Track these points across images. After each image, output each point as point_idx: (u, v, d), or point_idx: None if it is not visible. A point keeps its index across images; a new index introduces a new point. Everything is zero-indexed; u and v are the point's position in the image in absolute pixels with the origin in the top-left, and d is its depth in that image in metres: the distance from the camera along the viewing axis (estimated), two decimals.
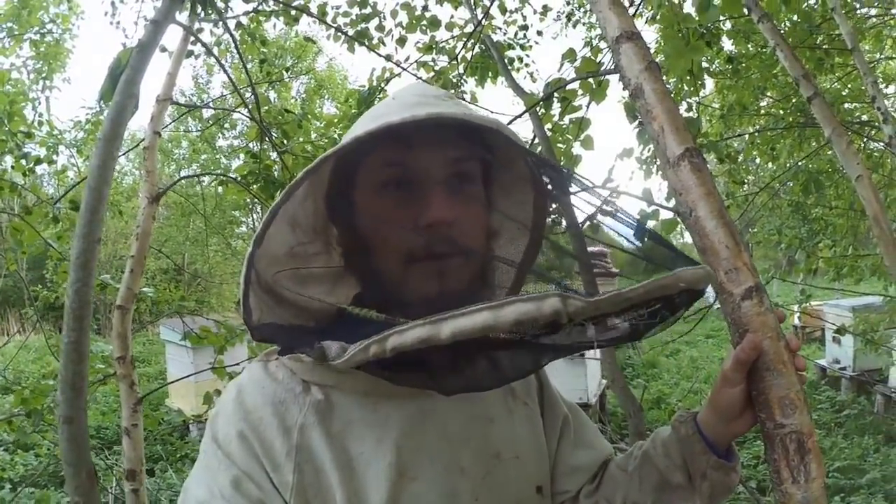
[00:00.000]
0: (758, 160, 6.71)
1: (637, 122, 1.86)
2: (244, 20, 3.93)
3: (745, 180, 6.09)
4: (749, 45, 4.40)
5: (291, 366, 0.79)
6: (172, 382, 4.91)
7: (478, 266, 0.81)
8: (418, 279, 0.74)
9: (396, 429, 0.77)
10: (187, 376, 3.12)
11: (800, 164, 5.54)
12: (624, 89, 1.06)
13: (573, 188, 0.79)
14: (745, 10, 2.33)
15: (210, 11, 2.22)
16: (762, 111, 5.65)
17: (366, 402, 0.78)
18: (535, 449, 0.91)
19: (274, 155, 3.13)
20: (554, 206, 0.93)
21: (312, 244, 0.83)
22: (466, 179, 0.80)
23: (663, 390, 8.66)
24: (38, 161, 3.50)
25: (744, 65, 4.55)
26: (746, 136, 5.53)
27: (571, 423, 1.00)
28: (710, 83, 5.35)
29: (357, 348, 0.63)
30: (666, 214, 1.98)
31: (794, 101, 4.83)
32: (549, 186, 0.87)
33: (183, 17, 2.31)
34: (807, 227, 6.60)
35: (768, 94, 5.27)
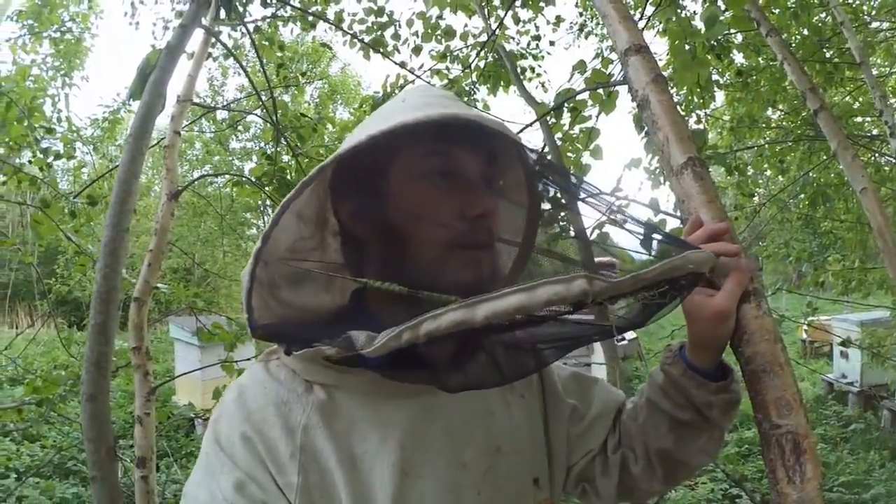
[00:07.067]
0: (768, 173, 6.70)
1: (644, 133, 1.90)
2: (262, 25, 4.00)
3: (755, 193, 6.09)
4: (759, 59, 4.42)
5: (293, 366, 0.79)
6: (182, 375, 4.97)
7: (499, 259, 0.85)
8: (458, 266, 0.76)
9: (400, 427, 0.77)
10: (197, 370, 3.16)
11: (807, 176, 5.54)
12: (633, 101, 1.10)
13: (582, 195, 0.82)
14: (755, 24, 2.36)
15: (233, 16, 2.28)
16: (772, 124, 5.66)
17: (369, 401, 0.78)
18: (531, 441, 0.92)
19: (286, 157, 3.18)
20: (558, 212, 0.95)
21: (312, 239, 0.84)
22: (491, 179, 0.83)
23: None
24: (58, 156, 3.56)
25: (753, 77, 4.57)
26: (755, 149, 5.54)
27: (580, 409, 1.00)
28: (720, 95, 5.38)
29: (389, 335, 0.63)
30: (673, 223, 2.01)
31: (803, 114, 4.84)
32: (558, 193, 0.89)
33: (206, 21, 2.36)
34: (817, 242, 6.58)
35: (778, 106, 5.28)
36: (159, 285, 3.12)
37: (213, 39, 2.53)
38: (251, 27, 3.54)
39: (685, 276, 0.72)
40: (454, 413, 0.82)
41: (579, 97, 2.11)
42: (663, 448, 0.93)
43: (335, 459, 0.74)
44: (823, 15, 4.45)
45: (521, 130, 2.20)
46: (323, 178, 0.82)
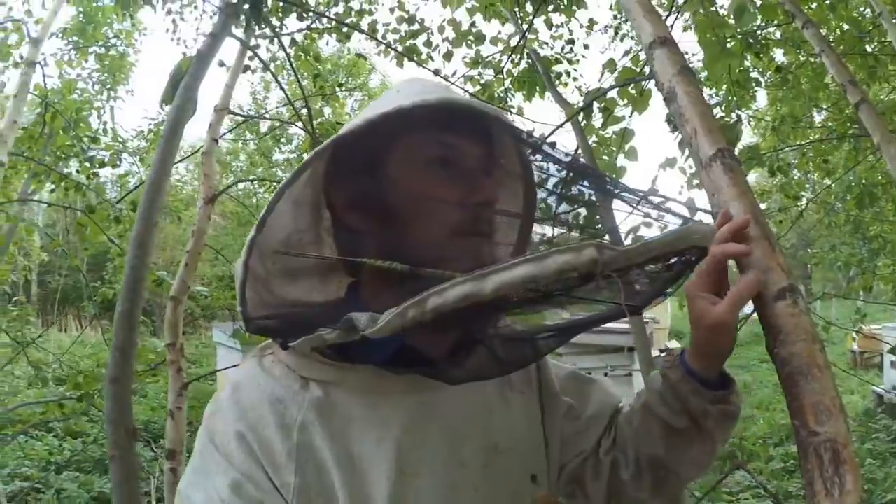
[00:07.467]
0: (815, 176, 6.50)
1: (673, 128, 1.85)
2: (298, 37, 4.09)
3: (800, 195, 5.88)
4: (800, 56, 4.29)
5: (288, 361, 0.77)
6: (217, 371, 5.10)
7: (497, 248, 0.84)
8: (457, 254, 0.74)
9: (397, 426, 0.76)
10: (232, 366, 3.22)
11: (852, 176, 5.33)
12: (660, 92, 1.07)
13: (616, 190, 0.82)
14: (791, 17, 2.28)
15: (263, 27, 2.35)
16: (817, 123, 5.49)
17: (366, 399, 0.76)
18: (530, 438, 0.90)
19: None
20: (593, 214, 0.93)
21: (307, 233, 0.83)
22: (490, 166, 0.82)
23: None
24: (103, 164, 3.71)
25: (793, 74, 4.43)
26: (798, 148, 5.35)
27: (576, 409, 0.97)
28: (762, 96, 5.24)
29: (393, 313, 0.61)
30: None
31: (846, 111, 4.67)
32: (592, 195, 0.88)
33: (240, 33, 2.44)
34: (867, 248, 6.35)
35: (821, 105, 5.12)
36: (199, 288, 3.21)
37: (250, 52, 2.62)
38: (287, 40, 3.63)
39: (691, 250, 0.71)
40: (452, 411, 0.80)
41: (609, 96, 2.07)
42: (654, 455, 0.90)
43: (332, 458, 0.72)
44: (862, 8, 4.29)
45: (552, 132, 2.17)
46: (319, 165, 0.80)
